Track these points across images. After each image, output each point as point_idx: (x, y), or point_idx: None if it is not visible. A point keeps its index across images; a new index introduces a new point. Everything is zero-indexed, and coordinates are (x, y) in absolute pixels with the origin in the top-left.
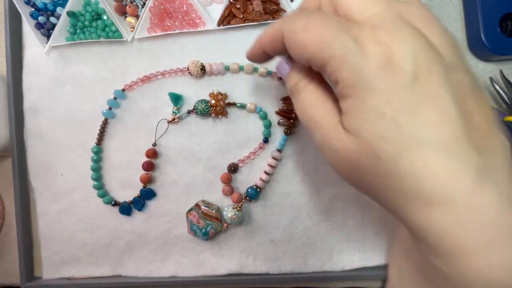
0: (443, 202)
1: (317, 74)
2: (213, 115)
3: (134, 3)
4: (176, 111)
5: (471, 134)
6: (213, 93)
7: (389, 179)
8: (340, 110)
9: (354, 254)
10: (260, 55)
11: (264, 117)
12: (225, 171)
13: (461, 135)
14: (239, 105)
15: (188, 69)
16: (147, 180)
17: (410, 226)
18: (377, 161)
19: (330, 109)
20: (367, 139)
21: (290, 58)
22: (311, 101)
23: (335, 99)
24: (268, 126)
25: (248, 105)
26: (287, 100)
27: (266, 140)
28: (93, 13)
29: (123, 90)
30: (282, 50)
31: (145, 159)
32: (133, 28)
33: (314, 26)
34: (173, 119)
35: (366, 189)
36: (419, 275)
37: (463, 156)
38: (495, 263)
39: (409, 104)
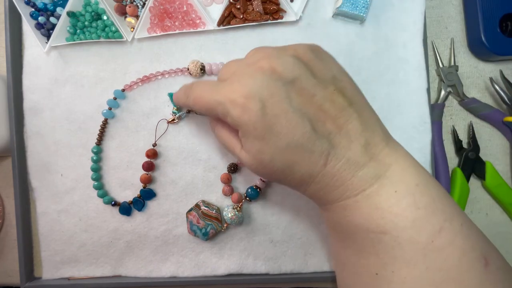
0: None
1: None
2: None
3: (134, 3)
4: (176, 111)
5: (316, 125)
6: None
7: (277, 173)
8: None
9: None
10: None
11: None
12: (225, 171)
13: (308, 130)
14: None
15: (188, 69)
16: (147, 180)
17: (308, 196)
18: (263, 165)
19: (234, 138)
20: (252, 154)
21: None
22: (222, 134)
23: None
24: None
25: None
26: None
27: None
28: (93, 13)
29: (123, 90)
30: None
31: (145, 159)
32: (133, 28)
33: (198, 100)
34: (173, 119)
35: (272, 180)
36: (333, 239)
37: (312, 146)
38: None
39: (267, 125)
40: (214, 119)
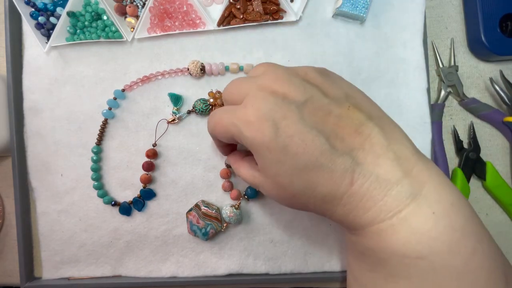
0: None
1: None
2: None
3: (134, 3)
4: (176, 111)
5: (335, 142)
6: (212, 92)
7: (298, 196)
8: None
9: None
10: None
11: None
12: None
13: (326, 148)
14: None
15: (188, 69)
16: (147, 181)
17: (337, 221)
18: (283, 188)
19: (253, 169)
20: (271, 178)
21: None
22: (242, 170)
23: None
24: None
25: None
26: None
27: None
28: (93, 13)
29: (123, 90)
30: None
31: (145, 159)
32: (133, 28)
33: (217, 124)
34: (173, 120)
35: (296, 206)
36: (357, 261)
37: (332, 164)
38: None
39: (281, 146)
40: (234, 158)
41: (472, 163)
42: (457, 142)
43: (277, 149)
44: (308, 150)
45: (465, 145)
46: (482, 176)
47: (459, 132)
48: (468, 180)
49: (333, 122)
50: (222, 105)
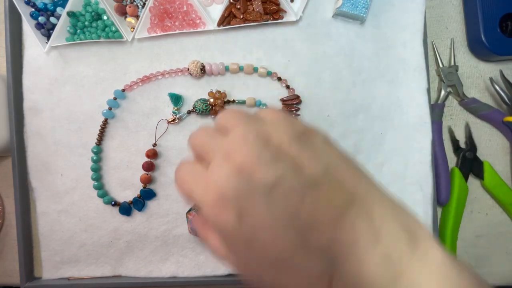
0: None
1: None
2: (212, 116)
3: (134, 3)
4: (176, 111)
5: (309, 236)
6: (212, 92)
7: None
8: None
9: None
10: None
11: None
12: None
13: (297, 244)
14: (238, 101)
15: (188, 69)
16: (147, 181)
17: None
18: (254, 282)
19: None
20: (240, 269)
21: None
22: (211, 240)
23: None
24: None
25: (247, 100)
26: (286, 101)
27: None
28: (93, 13)
29: (123, 90)
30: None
31: (145, 159)
32: (133, 28)
33: (180, 185)
34: (173, 120)
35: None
36: None
37: (305, 263)
38: None
39: (245, 238)
40: (202, 221)
41: (469, 163)
42: (454, 142)
43: (241, 240)
44: (277, 246)
45: (463, 145)
46: (480, 176)
47: (459, 132)
48: (466, 179)
49: (308, 208)
50: (222, 105)
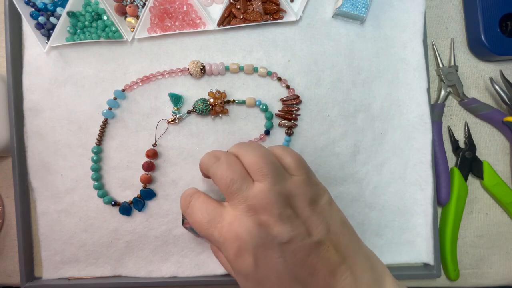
0: None
1: None
2: (212, 116)
3: (134, 3)
4: (176, 111)
5: (310, 285)
6: (212, 92)
7: None
8: None
9: None
10: None
11: (265, 109)
12: None
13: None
14: (238, 101)
15: (188, 69)
16: (147, 181)
17: None
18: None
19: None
20: (236, 276)
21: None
22: (222, 260)
23: None
24: (270, 117)
25: (247, 100)
26: (286, 101)
27: (267, 132)
28: (93, 13)
29: (123, 90)
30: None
31: (145, 159)
32: (133, 28)
33: (196, 222)
34: (173, 120)
35: None
36: None
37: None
38: None
39: (257, 280)
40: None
41: (468, 162)
42: (453, 141)
43: (253, 281)
44: (283, 287)
45: (462, 145)
46: (479, 175)
47: (459, 132)
48: (466, 179)
49: (311, 264)
50: (222, 105)
